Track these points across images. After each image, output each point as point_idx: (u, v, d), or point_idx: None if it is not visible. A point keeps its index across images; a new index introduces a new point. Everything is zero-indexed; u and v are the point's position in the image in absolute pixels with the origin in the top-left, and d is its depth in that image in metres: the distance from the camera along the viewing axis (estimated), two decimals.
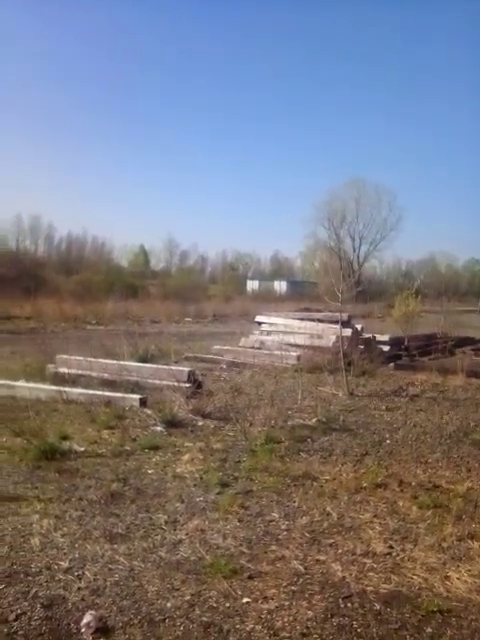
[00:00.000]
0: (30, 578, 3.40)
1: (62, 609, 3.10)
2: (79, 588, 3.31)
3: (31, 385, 8.53)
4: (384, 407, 8.52)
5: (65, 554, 3.70)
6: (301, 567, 3.62)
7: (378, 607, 3.19)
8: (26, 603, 3.14)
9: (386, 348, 13.86)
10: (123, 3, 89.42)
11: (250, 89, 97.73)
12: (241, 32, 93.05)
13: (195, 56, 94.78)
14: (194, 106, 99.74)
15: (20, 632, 2.90)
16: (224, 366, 11.92)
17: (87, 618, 2.96)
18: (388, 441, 6.71)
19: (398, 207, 57.34)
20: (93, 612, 3.02)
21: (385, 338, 14.42)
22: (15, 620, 2.99)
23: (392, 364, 12.61)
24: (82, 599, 3.19)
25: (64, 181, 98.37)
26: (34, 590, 3.27)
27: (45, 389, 8.34)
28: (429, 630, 2.99)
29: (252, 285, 59.04)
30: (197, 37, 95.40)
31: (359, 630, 2.97)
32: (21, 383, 8.65)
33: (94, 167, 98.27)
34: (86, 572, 3.48)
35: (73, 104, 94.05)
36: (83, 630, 2.90)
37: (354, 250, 59.34)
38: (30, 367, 9.95)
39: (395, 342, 14.50)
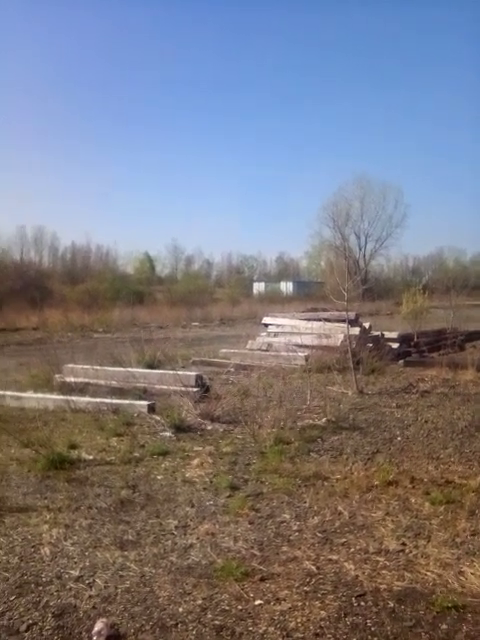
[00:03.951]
0: (41, 588, 3.39)
1: (73, 618, 3.08)
2: (90, 596, 3.29)
3: (39, 395, 8.55)
4: (394, 404, 8.47)
5: (75, 563, 3.68)
6: (313, 567, 3.59)
7: (392, 605, 3.15)
8: (37, 613, 3.13)
9: (395, 345, 13.77)
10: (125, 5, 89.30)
11: (251, 89, 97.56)
12: (241, 31, 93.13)
13: (196, 58, 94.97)
14: (195, 109, 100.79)
15: None
16: (232, 369, 11.86)
17: (98, 626, 2.94)
18: (399, 438, 6.66)
19: (404, 203, 56.94)
20: (104, 619, 3.00)
21: (394, 335, 14.32)
22: (26, 631, 2.98)
23: (401, 361, 12.54)
24: (93, 607, 3.18)
25: (66, 191, 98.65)
26: (45, 599, 3.26)
27: (53, 399, 8.35)
28: (444, 627, 2.95)
29: (258, 287, 58.96)
30: (197, 38, 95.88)
31: (373, 628, 2.94)
32: (29, 394, 8.67)
33: (95, 175, 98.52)
34: (97, 580, 3.46)
35: (72, 111, 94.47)
36: (95, 638, 2.88)
37: (360, 248, 59.08)
38: (37, 378, 9.95)
39: (404, 339, 14.40)
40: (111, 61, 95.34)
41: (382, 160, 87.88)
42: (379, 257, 60.60)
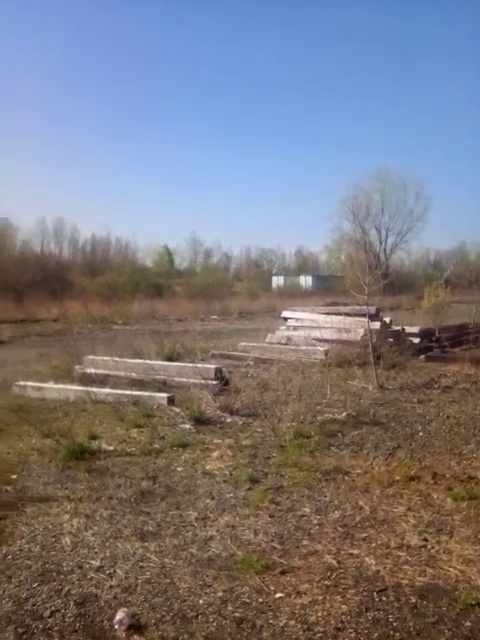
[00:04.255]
0: (62, 576, 3.41)
1: (95, 606, 3.10)
2: (111, 586, 3.30)
3: (59, 386, 8.61)
4: (416, 399, 8.40)
5: (96, 553, 3.70)
6: (334, 561, 3.57)
7: (414, 600, 3.12)
8: (59, 600, 3.15)
9: (416, 340, 13.64)
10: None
11: (267, 81, 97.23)
12: (252, 23, 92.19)
13: (210, 50, 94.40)
14: (213, 103, 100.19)
15: (55, 628, 2.92)
16: (251, 363, 11.85)
17: (120, 615, 2.95)
18: (420, 433, 6.60)
19: (425, 197, 56.33)
20: (125, 609, 3.01)
21: (415, 330, 14.18)
22: (50, 617, 3.01)
23: (423, 356, 12.42)
24: (114, 597, 3.19)
25: (86, 183, 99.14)
26: (67, 588, 3.28)
27: (73, 390, 8.41)
28: (468, 624, 2.91)
29: (277, 281, 58.82)
30: (213, 33, 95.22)
31: (395, 624, 2.91)
32: (50, 385, 8.74)
33: (114, 168, 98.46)
34: (117, 570, 3.48)
35: (92, 106, 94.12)
36: (116, 627, 2.89)
37: (380, 242, 58.72)
38: (58, 369, 10.04)
39: (425, 334, 14.25)
40: (130, 56, 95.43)
41: (402, 155, 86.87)
42: (400, 251, 60.17)
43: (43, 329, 20.64)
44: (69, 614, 3.03)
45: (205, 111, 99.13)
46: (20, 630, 2.90)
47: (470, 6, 72.13)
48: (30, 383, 8.77)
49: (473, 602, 3.07)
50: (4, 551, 3.74)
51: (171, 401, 7.84)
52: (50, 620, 2.98)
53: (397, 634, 2.83)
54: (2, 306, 23.80)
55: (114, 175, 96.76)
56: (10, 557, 3.66)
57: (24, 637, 2.86)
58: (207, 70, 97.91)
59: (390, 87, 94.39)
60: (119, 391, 8.30)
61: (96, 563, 3.56)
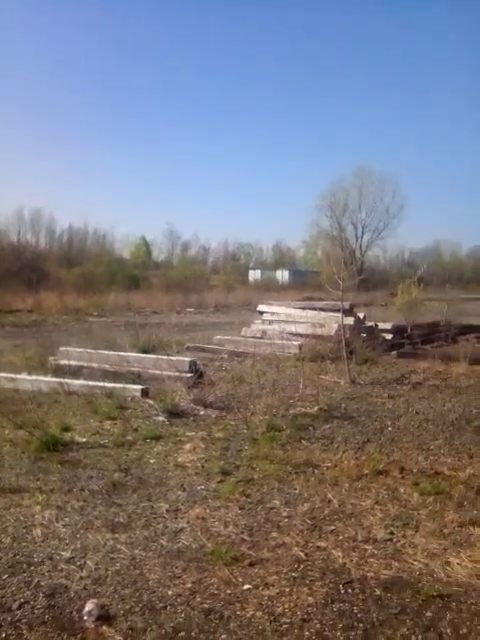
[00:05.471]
0: (32, 568, 3.42)
1: (64, 598, 3.12)
2: (81, 577, 3.33)
3: (33, 377, 8.55)
4: (386, 395, 8.52)
5: (67, 544, 3.72)
6: (302, 554, 3.63)
7: (378, 592, 3.20)
8: (29, 592, 3.17)
9: (389, 336, 13.82)
10: None
11: (249, 77, 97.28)
12: (239, 22, 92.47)
13: (192, 45, 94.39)
14: (193, 95, 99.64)
15: (23, 620, 2.92)
16: (225, 356, 11.93)
17: (89, 606, 2.98)
18: (390, 428, 6.71)
19: (401, 195, 57.03)
20: (95, 600, 3.04)
21: (388, 326, 14.36)
22: (18, 609, 3.02)
23: (395, 352, 12.58)
24: (84, 588, 3.22)
25: (64, 173, 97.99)
26: (36, 579, 3.30)
27: (47, 381, 8.36)
28: (429, 614, 3.01)
29: (254, 275, 58.92)
30: (193, 26, 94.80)
31: (359, 615, 2.99)
32: (23, 376, 8.68)
33: (94, 159, 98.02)
34: (88, 561, 3.50)
35: (72, 96, 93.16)
36: (85, 618, 2.92)
37: (357, 239, 59.25)
38: (32, 360, 9.97)
39: (398, 330, 14.44)
40: (111, 49, 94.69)
41: (380, 152, 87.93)
42: (375, 248, 60.98)
43: (18, 320, 20.40)
44: (38, 606, 3.04)
45: (188, 106, 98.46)
46: None
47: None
48: (3, 374, 8.69)
49: (435, 594, 3.17)
50: None
51: (145, 393, 7.85)
52: (18, 612, 2.99)
53: (361, 625, 2.91)
54: None
55: (94, 167, 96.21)
56: None
57: None
58: (193, 67, 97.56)
59: (374, 86, 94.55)
60: (93, 383, 8.28)
61: (67, 554, 3.58)
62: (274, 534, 3.92)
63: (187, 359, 9.15)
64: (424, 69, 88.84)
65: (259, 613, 2.99)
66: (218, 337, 13.78)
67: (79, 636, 2.82)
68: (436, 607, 3.07)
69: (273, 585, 3.26)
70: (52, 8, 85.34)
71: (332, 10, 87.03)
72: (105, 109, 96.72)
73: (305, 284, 41.93)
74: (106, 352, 9.78)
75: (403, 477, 5.05)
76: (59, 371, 8.96)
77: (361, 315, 13.45)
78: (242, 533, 3.92)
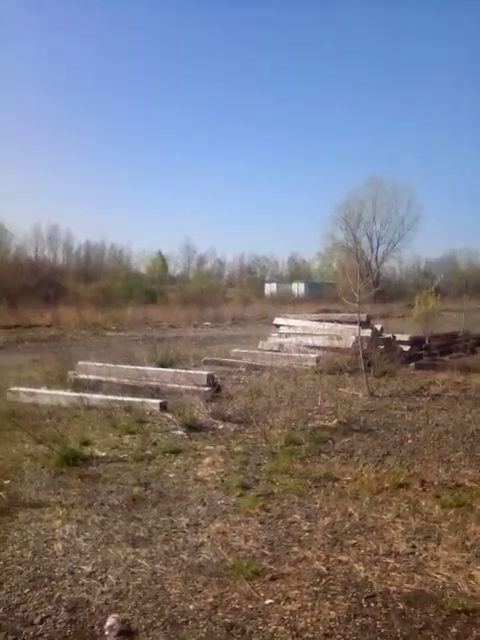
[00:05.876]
0: (54, 582, 3.44)
1: (86, 612, 3.13)
2: (102, 592, 3.33)
3: (52, 392, 8.62)
4: (405, 407, 8.46)
5: (88, 559, 3.73)
6: (323, 568, 3.61)
7: (402, 607, 3.17)
8: (51, 606, 3.18)
9: (406, 348, 13.73)
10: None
11: (267, 91, 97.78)
12: (248, 30, 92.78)
13: (205, 57, 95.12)
14: (208, 109, 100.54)
15: (46, 635, 2.94)
16: (243, 369, 11.93)
17: (110, 621, 2.98)
18: (410, 441, 6.66)
19: (416, 205, 56.70)
20: (116, 615, 3.04)
21: (405, 338, 14.26)
22: (40, 623, 3.03)
23: (413, 364, 12.50)
24: (105, 602, 3.22)
25: (81, 189, 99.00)
26: (58, 594, 3.31)
27: (66, 396, 8.42)
28: (454, 630, 2.96)
29: (270, 288, 58.91)
30: (207, 37, 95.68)
31: (383, 630, 2.95)
32: (42, 390, 8.75)
33: (109, 174, 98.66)
34: (109, 576, 3.51)
35: (90, 112, 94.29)
36: (107, 633, 2.92)
37: (372, 250, 59.02)
38: (51, 374, 10.05)
39: (416, 342, 14.34)
40: (128, 62, 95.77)
41: (395, 163, 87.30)
42: (391, 259, 60.53)
43: (36, 335, 20.59)
44: (60, 620, 3.05)
45: (202, 118, 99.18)
46: (10, 637, 2.92)
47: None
48: (23, 389, 8.77)
49: (459, 608, 3.13)
50: None
51: (163, 407, 7.87)
52: (40, 626, 3.00)
53: None
54: None
55: (111, 182, 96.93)
56: (2, 563, 3.69)
57: None
58: (205, 77, 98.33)
59: (387, 95, 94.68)
60: (112, 397, 8.31)
61: (88, 569, 3.59)
62: (295, 548, 3.90)
63: (205, 373, 9.16)
64: (428, 76, 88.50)
65: (281, 628, 2.97)
66: (235, 350, 13.78)
67: None
68: (461, 622, 3.03)
69: (295, 599, 3.24)
70: (82, 32, 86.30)
71: (332, 16, 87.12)
72: (121, 124, 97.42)
73: (321, 296, 41.79)
74: (124, 366, 9.83)
75: (424, 490, 5.00)
76: (78, 385, 9.02)
77: (378, 327, 13.38)
78: (263, 547, 3.90)
